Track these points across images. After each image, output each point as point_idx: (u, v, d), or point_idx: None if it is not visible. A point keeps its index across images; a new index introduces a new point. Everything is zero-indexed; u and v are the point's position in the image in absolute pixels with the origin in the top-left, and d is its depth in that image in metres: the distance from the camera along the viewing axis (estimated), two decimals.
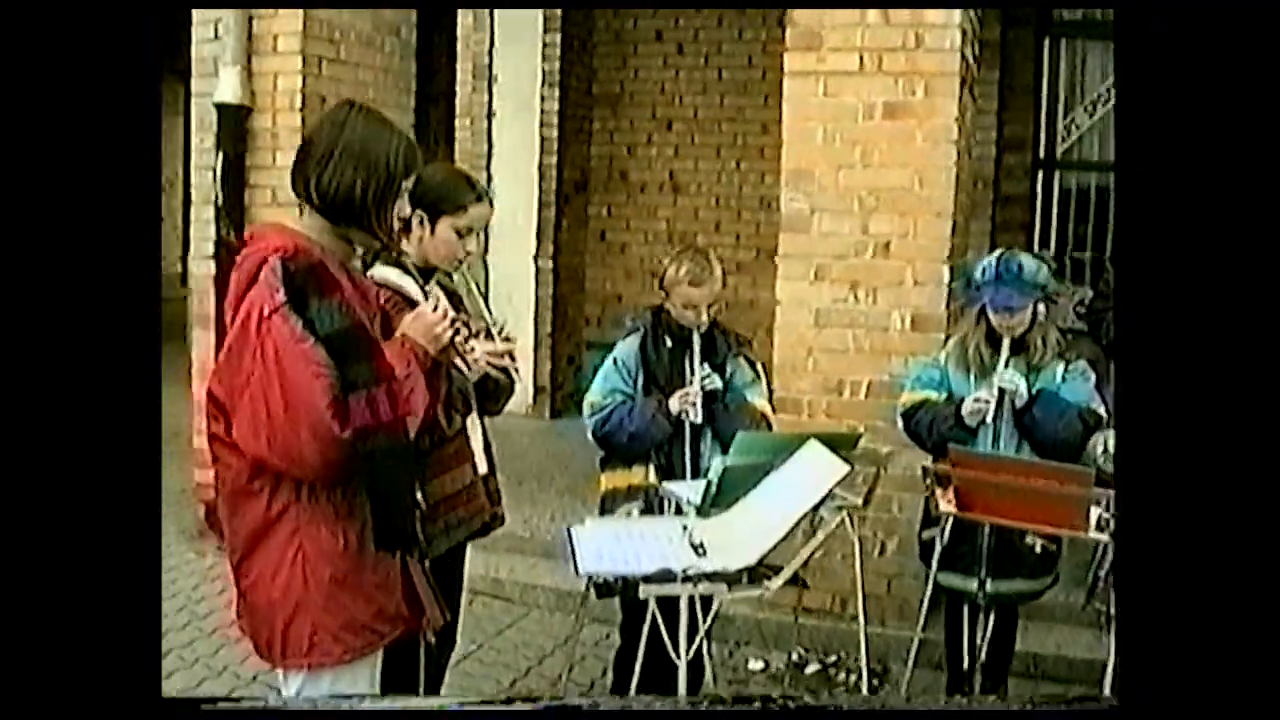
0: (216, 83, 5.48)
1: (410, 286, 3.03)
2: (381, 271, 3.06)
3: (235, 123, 5.49)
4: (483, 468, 3.16)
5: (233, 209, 5.54)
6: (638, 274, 8.77)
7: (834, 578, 4.62)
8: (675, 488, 3.56)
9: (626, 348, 3.84)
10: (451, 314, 2.57)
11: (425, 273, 3.08)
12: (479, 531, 3.17)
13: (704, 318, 3.71)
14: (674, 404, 3.66)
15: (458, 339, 2.63)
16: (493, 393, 3.10)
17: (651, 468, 3.76)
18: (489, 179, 8.37)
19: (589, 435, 3.83)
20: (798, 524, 2.95)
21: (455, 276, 3.13)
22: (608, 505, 3.84)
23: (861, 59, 4.49)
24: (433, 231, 3.02)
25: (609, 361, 3.86)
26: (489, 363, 2.96)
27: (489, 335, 3.03)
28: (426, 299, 3.07)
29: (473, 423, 3.13)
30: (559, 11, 8.02)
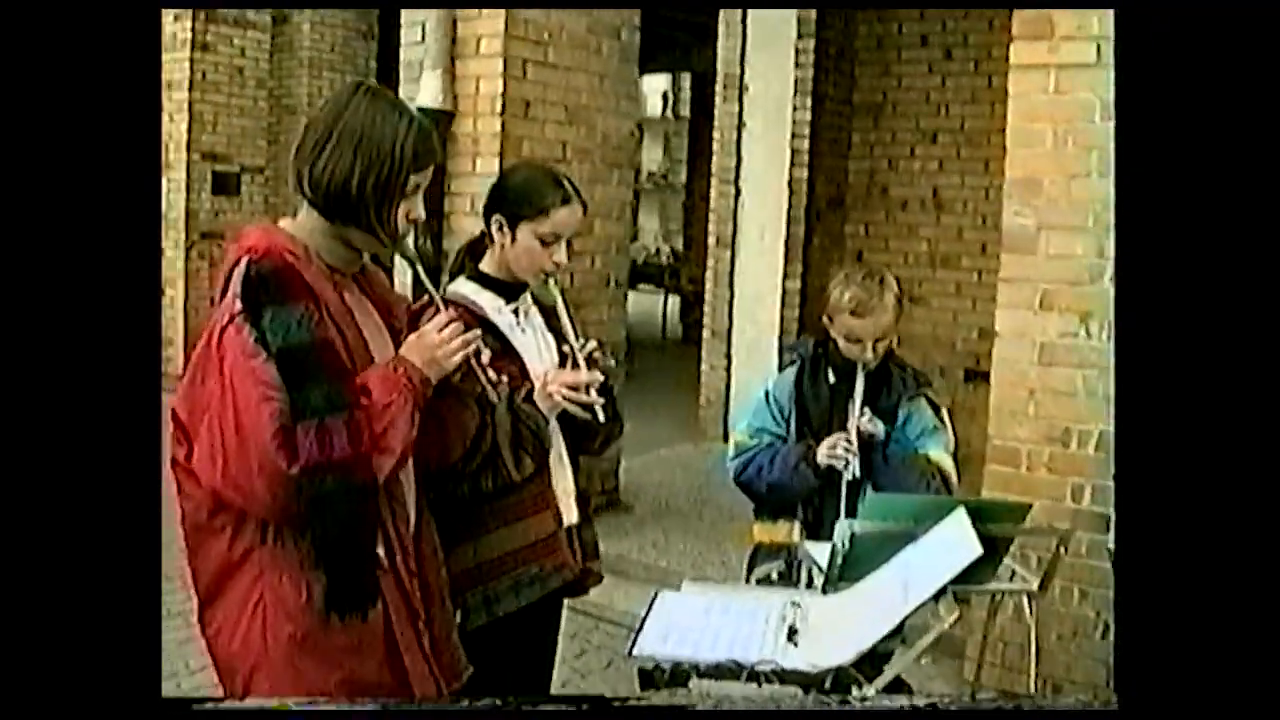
0: (418, 88, 5.33)
1: (487, 302, 2.65)
2: (456, 286, 2.70)
3: (437, 128, 5.31)
4: (570, 517, 2.73)
5: (431, 218, 5.37)
6: None
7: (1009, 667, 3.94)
8: (815, 550, 3.00)
9: (781, 381, 3.32)
10: (463, 334, 2.17)
11: (512, 287, 2.69)
12: (564, 590, 2.74)
13: (869, 353, 3.13)
14: (822, 454, 3.11)
15: (479, 362, 2.23)
16: (585, 431, 2.67)
17: (797, 524, 3.23)
18: (737, 193, 7.97)
19: (730, 478, 3.35)
20: (913, 614, 2.35)
21: (542, 291, 2.71)
22: (754, 561, 3.33)
23: (1098, 49, 3.76)
24: (513, 239, 2.62)
25: (759, 395, 3.35)
26: (565, 396, 2.54)
27: (574, 363, 2.61)
28: (517, 318, 2.69)
29: (559, 465, 2.70)
30: (813, 14, 7.52)
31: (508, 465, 2.51)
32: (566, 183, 2.66)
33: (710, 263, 8.26)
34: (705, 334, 8.31)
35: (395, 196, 2.05)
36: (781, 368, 3.36)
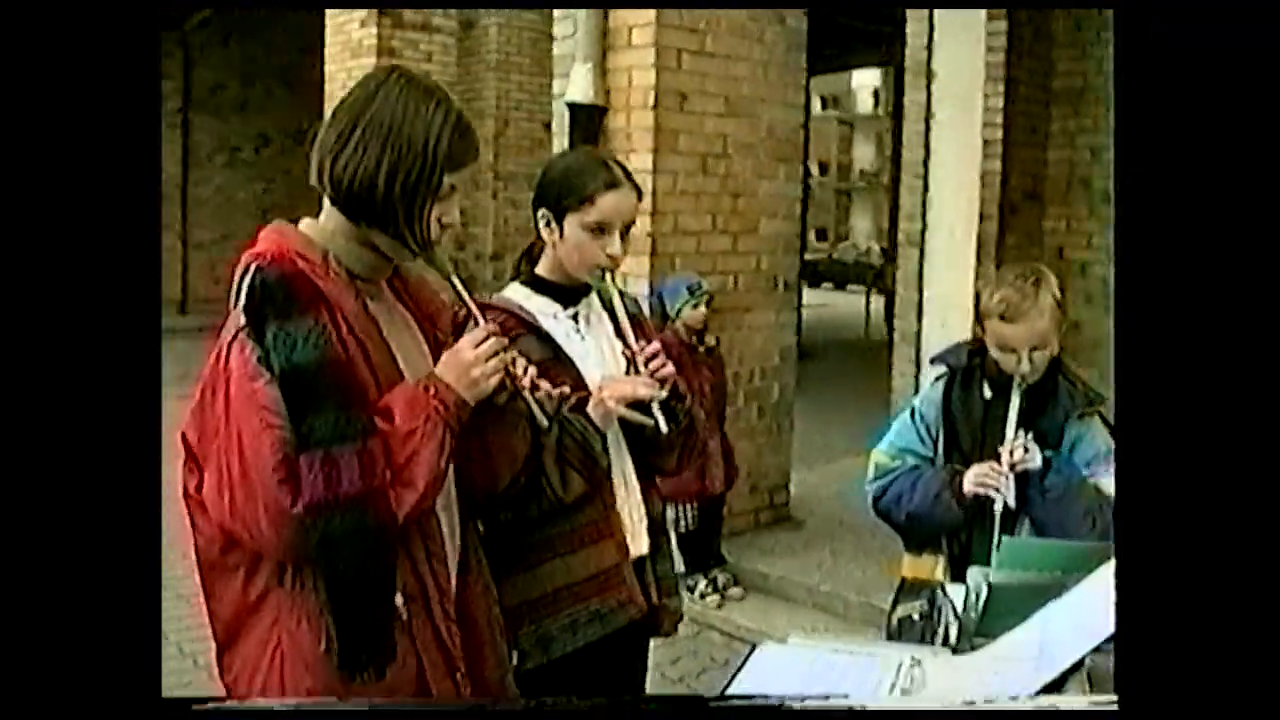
0: (568, 83, 5.13)
1: (539, 307, 2.39)
2: (505, 293, 2.45)
3: (589, 123, 5.09)
4: (639, 547, 2.42)
5: None
6: (1099, 298, 7.52)
7: None
8: (957, 594, 2.62)
9: (930, 395, 2.94)
10: (501, 349, 1.90)
11: (570, 291, 2.42)
12: (639, 629, 2.45)
13: (1026, 365, 2.72)
14: (968, 482, 2.72)
15: (522, 380, 1.96)
16: (654, 444, 2.37)
17: (942, 560, 2.85)
18: (925, 188, 7.50)
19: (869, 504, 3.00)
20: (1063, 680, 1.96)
21: (601, 289, 2.43)
22: (897, 598, 2.97)
23: None
24: (561, 234, 2.36)
25: (905, 412, 2.98)
26: (619, 400, 2.26)
27: (635, 369, 2.32)
28: (577, 324, 2.42)
29: (624, 487, 2.42)
30: None
31: (553, 484, 2.24)
32: (614, 165, 2.37)
33: (900, 262, 7.82)
34: (895, 338, 7.87)
35: (427, 199, 1.81)
36: (934, 380, 2.98)
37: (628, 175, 2.37)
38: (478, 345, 1.87)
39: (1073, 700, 1.61)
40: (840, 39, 14.40)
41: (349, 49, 10.35)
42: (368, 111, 1.81)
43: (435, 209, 1.83)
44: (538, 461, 2.20)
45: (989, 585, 2.29)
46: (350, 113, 1.83)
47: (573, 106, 5.10)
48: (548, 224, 2.36)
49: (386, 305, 1.92)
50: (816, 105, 44.69)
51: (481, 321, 1.97)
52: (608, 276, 2.35)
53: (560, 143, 5.25)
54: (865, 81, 41.25)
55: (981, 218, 7.29)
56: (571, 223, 2.32)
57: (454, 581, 1.96)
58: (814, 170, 43.57)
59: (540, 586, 2.30)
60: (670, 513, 5.13)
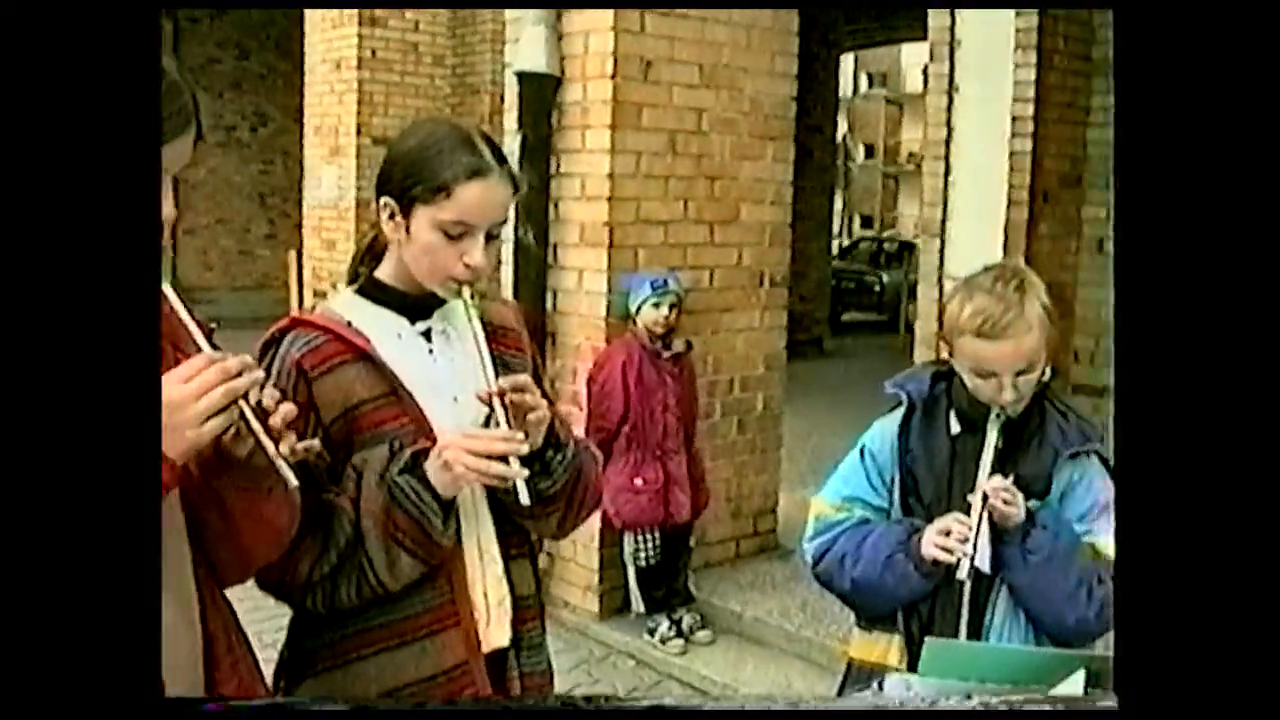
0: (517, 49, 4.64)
1: (377, 324, 1.90)
2: (330, 303, 1.97)
3: (540, 96, 4.61)
4: (497, 638, 1.94)
5: (534, 205, 4.67)
6: None
7: None
8: (902, 686, 2.09)
9: (882, 431, 2.43)
10: (225, 381, 1.40)
11: (419, 301, 1.93)
12: None
13: (1010, 393, 2.20)
14: (928, 542, 2.21)
15: (259, 421, 1.46)
16: (519, 508, 1.86)
17: (897, 639, 2.35)
18: (947, 170, 6.98)
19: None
20: None
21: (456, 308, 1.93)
22: (845, 685, 2.48)
23: None
24: (409, 232, 1.86)
25: (855, 451, 2.47)
26: (469, 466, 1.76)
27: (492, 414, 1.82)
28: (429, 344, 1.94)
29: (479, 560, 1.92)
30: None
31: (375, 568, 1.78)
32: (484, 148, 1.85)
33: (920, 254, 7.32)
34: (915, 340, 7.37)
35: None
36: (888, 410, 2.47)
37: (501, 160, 1.87)
38: (187, 380, 1.40)
39: (1073, 700, 1.59)
40: (886, 10, 13.88)
41: (330, 18, 9.98)
42: None
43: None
44: (355, 534, 1.79)
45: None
46: None
47: (522, 76, 4.62)
48: (391, 216, 1.87)
49: None
50: (864, 83, 44.13)
51: (202, 343, 1.48)
52: (465, 291, 1.86)
53: (510, 120, 4.77)
54: (915, 59, 40.52)
55: (1010, 204, 6.79)
56: (422, 218, 1.83)
57: None
58: (859, 153, 42.98)
59: (359, 689, 1.85)
60: (629, 543, 4.67)
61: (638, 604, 4.74)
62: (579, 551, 4.93)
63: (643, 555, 4.66)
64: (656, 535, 4.64)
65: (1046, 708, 1.28)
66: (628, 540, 4.68)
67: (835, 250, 20.51)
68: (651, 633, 4.70)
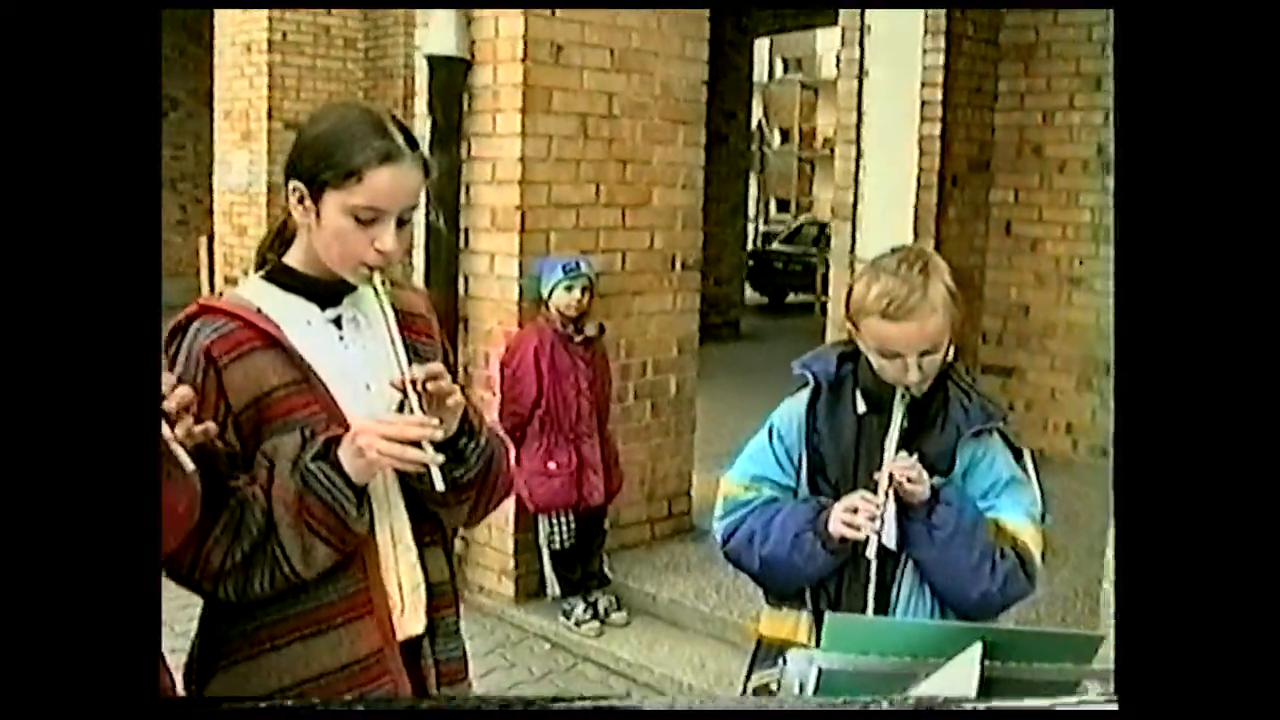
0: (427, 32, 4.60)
1: (288, 311, 1.88)
2: (239, 290, 1.94)
3: (449, 80, 4.57)
4: (412, 626, 1.94)
5: (445, 189, 4.64)
6: (1053, 279, 7.14)
7: None
8: (804, 661, 2.11)
9: (789, 411, 2.45)
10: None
11: (330, 287, 1.91)
12: None
13: (915, 373, 2.23)
14: (835, 519, 2.24)
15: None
16: (432, 495, 1.86)
17: (804, 615, 2.38)
18: (858, 154, 7.04)
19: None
20: None
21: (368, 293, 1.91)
22: (755, 663, 2.50)
23: None
24: (319, 217, 1.84)
25: (763, 431, 2.49)
26: (382, 452, 1.75)
27: (405, 400, 1.81)
28: (340, 331, 1.92)
29: (393, 549, 1.91)
30: None
31: (289, 557, 1.75)
32: (395, 131, 1.84)
33: (832, 238, 7.38)
34: (827, 323, 7.44)
35: None
36: (794, 391, 2.49)
37: (412, 145, 1.85)
38: None
39: (1073, 700, 1.61)
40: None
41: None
42: None
43: None
44: (266, 523, 1.76)
45: (819, 671, 1.82)
46: None
47: (432, 60, 4.57)
48: (301, 201, 1.84)
49: None
50: (779, 68, 44.28)
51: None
52: (376, 277, 1.84)
53: (420, 105, 4.72)
54: (831, 44, 40.77)
55: (920, 188, 6.86)
56: (332, 203, 1.81)
57: None
58: (775, 138, 43.15)
59: (273, 679, 1.83)
60: (544, 526, 4.67)
61: (553, 587, 4.73)
62: (494, 536, 4.91)
63: (557, 539, 4.66)
64: (571, 518, 4.64)
65: (1047, 708, 1.32)
66: (542, 524, 4.67)
67: (759, 234, 20.67)
68: (567, 615, 4.70)
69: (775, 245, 19.89)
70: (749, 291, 18.28)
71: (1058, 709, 1.32)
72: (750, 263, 19.45)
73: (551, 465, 4.48)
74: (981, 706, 1.36)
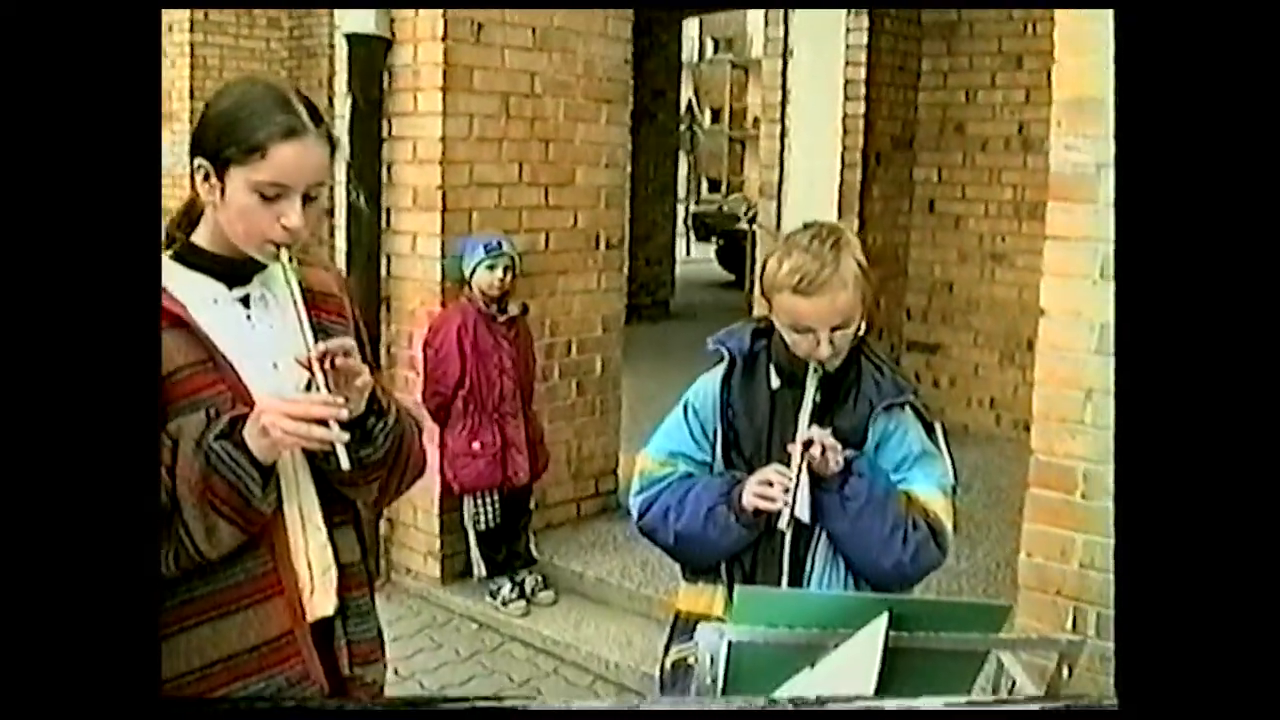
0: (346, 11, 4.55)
1: (193, 290, 1.85)
2: None
3: (369, 59, 4.53)
4: (322, 607, 1.93)
5: (366, 168, 4.60)
6: (976, 256, 7.22)
7: None
8: (714, 634, 2.12)
9: (704, 388, 2.47)
10: None
11: (237, 266, 1.89)
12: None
13: (826, 348, 2.26)
14: (748, 493, 2.26)
15: None
16: (339, 475, 1.85)
17: (720, 590, 2.40)
18: (783, 133, 7.07)
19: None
20: None
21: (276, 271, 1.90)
22: (673, 637, 2.51)
23: None
24: (223, 194, 1.82)
25: (679, 407, 2.50)
26: (287, 431, 1.74)
27: (312, 379, 1.80)
28: (248, 310, 1.90)
29: (302, 529, 1.90)
30: None
31: (194, 537, 1.73)
32: (300, 106, 1.82)
33: (758, 216, 7.41)
34: (753, 301, 7.47)
35: None
36: (710, 368, 2.51)
37: (317, 120, 1.83)
38: None
39: (1073, 700, 1.61)
40: None
41: None
42: None
43: None
44: (172, 503, 1.72)
45: (729, 644, 1.84)
46: None
47: (351, 38, 4.53)
48: (206, 178, 1.81)
49: None
50: (709, 48, 44.29)
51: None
52: (283, 254, 1.82)
53: (340, 84, 4.67)
54: (761, 23, 40.88)
55: (844, 166, 6.92)
56: (236, 179, 1.78)
57: None
58: (705, 117, 43.18)
59: (182, 661, 1.80)
60: (469, 507, 4.66)
61: (479, 568, 4.72)
62: (419, 517, 4.89)
63: (482, 519, 4.65)
64: (496, 498, 4.63)
65: (1047, 708, 1.34)
66: (467, 504, 4.65)
67: (689, 214, 20.71)
68: (494, 595, 4.69)
69: (741, 225, 20.16)
70: (718, 269, 18.49)
71: (1059, 709, 1.32)
72: (720, 242, 19.61)
73: (476, 445, 4.47)
74: (981, 707, 1.37)
